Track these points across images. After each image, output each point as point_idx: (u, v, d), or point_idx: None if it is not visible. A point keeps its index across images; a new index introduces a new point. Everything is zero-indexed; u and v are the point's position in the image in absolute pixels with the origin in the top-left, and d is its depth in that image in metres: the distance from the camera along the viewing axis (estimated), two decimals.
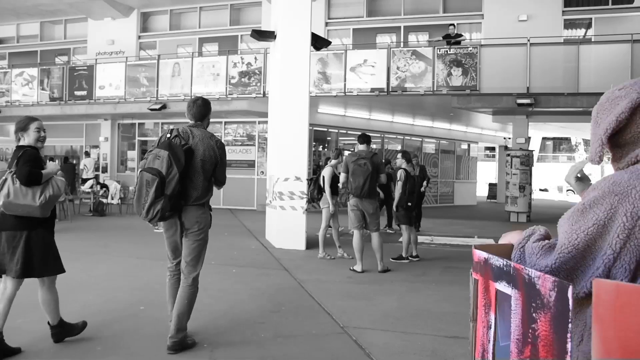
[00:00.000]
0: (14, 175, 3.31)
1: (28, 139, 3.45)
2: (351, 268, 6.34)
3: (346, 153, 7.48)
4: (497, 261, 1.29)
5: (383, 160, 9.03)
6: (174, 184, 3.30)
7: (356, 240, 6.21)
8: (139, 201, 3.36)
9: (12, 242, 3.29)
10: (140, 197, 3.35)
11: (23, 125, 3.44)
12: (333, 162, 7.38)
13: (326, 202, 7.23)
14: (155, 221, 3.42)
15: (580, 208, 1.26)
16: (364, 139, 6.40)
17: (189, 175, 3.45)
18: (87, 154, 16.64)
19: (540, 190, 30.92)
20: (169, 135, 3.48)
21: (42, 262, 3.36)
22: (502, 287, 1.26)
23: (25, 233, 3.30)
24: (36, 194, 3.30)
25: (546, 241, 1.32)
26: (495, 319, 1.31)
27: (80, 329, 3.70)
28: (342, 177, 6.38)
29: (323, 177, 7.28)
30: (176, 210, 3.45)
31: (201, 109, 3.68)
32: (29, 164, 3.29)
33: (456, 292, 5.16)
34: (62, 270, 3.52)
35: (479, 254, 1.39)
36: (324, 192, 7.25)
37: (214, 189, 3.74)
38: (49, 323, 3.58)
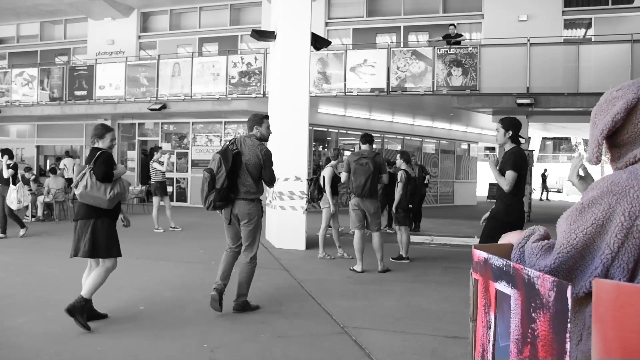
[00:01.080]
0: (92, 172, 3.95)
1: (103, 144, 4.13)
2: (351, 268, 6.34)
3: (347, 153, 7.47)
4: (497, 261, 1.28)
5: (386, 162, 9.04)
6: (222, 180, 4.18)
7: (357, 240, 6.21)
8: (202, 194, 4.28)
9: (83, 228, 3.96)
10: (202, 191, 4.29)
11: (100, 133, 4.13)
12: (333, 162, 7.37)
13: (326, 202, 7.23)
14: (211, 209, 4.30)
15: (579, 208, 1.26)
16: (367, 138, 6.39)
17: (239, 174, 4.30)
18: (67, 154, 16.67)
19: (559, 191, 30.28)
20: (227, 143, 4.38)
21: (105, 245, 3.98)
22: (502, 287, 1.26)
23: (93, 220, 3.95)
24: (107, 189, 3.96)
25: (545, 241, 1.32)
26: (495, 318, 1.31)
27: (102, 317, 4.15)
28: (343, 176, 6.38)
29: (323, 177, 7.28)
30: (227, 201, 4.28)
31: (248, 123, 4.55)
32: (105, 164, 3.98)
33: (456, 292, 5.16)
34: (120, 254, 4.12)
35: (479, 254, 1.39)
36: (324, 192, 7.25)
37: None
38: (81, 295, 3.94)
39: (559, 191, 30.74)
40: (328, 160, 7.58)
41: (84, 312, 3.90)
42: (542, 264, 1.27)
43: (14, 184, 8.48)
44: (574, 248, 1.22)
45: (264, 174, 4.38)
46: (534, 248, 1.32)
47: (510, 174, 4.25)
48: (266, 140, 4.57)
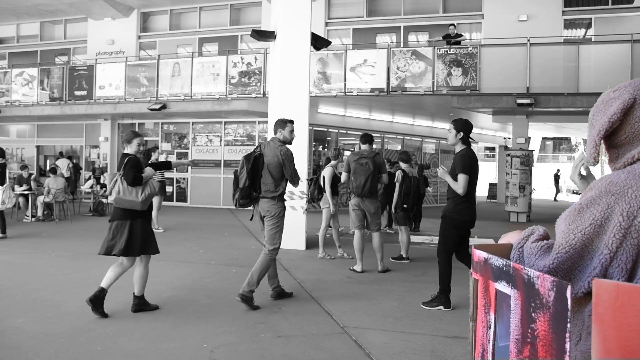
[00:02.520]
0: (122, 178, 4.23)
1: (131, 149, 4.41)
2: (351, 268, 6.34)
3: (347, 153, 7.46)
4: (497, 261, 1.28)
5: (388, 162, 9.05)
6: (244, 179, 4.60)
7: (357, 240, 6.21)
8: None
9: (119, 229, 4.24)
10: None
11: (129, 138, 4.43)
12: (333, 162, 7.37)
13: (326, 202, 7.23)
14: (237, 207, 4.75)
15: (577, 208, 1.26)
16: (367, 138, 6.38)
17: (262, 174, 4.68)
18: (62, 154, 16.67)
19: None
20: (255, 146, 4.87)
21: (141, 244, 4.26)
22: (502, 287, 1.25)
23: (129, 222, 4.23)
24: (138, 192, 4.25)
25: (544, 241, 1.33)
26: (495, 318, 1.31)
27: (154, 309, 4.46)
28: (343, 176, 6.38)
29: (323, 177, 7.27)
30: (250, 199, 4.68)
31: (274, 127, 4.91)
32: (133, 169, 4.24)
33: (456, 292, 5.16)
34: (157, 252, 4.41)
35: (479, 254, 1.39)
36: (324, 192, 7.25)
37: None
38: (134, 293, 4.39)
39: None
40: (328, 160, 7.58)
41: (145, 304, 4.44)
42: (540, 264, 1.27)
43: (1, 184, 8.28)
44: (572, 248, 1.22)
45: (285, 172, 4.72)
46: (533, 248, 1.32)
47: (461, 177, 4.49)
48: (289, 142, 4.88)
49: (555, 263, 1.23)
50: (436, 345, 3.73)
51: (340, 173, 6.86)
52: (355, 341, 3.78)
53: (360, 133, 7.08)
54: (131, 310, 4.35)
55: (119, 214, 4.28)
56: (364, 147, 6.33)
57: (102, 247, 4.27)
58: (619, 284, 1.03)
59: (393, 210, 7.25)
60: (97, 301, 4.17)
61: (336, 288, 5.44)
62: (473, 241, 9.24)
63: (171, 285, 5.38)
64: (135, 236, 4.24)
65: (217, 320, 4.22)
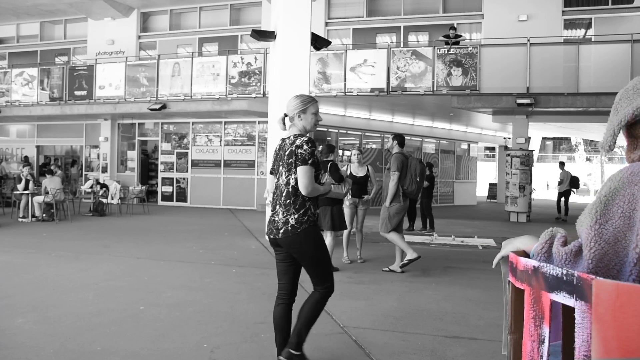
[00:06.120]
0: (330, 177, 5.39)
1: (331, 157, 6.32)
2: (387, 268, 6.21)
3: (354, 152, 7.19)
4: (553, 270, 1.19)
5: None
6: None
7: (395, 237, 6.10)
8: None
9: (324, 212, 6.11)
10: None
11: (327, 151, 6.39)
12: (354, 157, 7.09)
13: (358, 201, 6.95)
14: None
15: (603, 200, 1.21)
16: (403, 139, 6.35)
17: None
18: (26, 159, 16.83)
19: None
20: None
21: (338, 222, 6.22)
22: (561, 298, 1.16)
23: (330, 207, 6.14)
24: (342, 186, 5.75)
25: (572, 244, 1.24)
26: (550, 332, 1.23)
27: (335, 270, 5.81)
28: (395, 175, 6.10)
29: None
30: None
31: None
32: (337, 172, 5.97)
33: (456, 292, 5.16)
34: (345, 228, 6.50)
35: (526, 262, 1.28)
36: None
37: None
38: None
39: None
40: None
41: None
42: (578, 270, 1.19)
43: None
44: (607, 243, 1.17)
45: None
46: (562, 255, 1.24)
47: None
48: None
49: (593, 263, 1.16)
50: (436, 345, 3.73)
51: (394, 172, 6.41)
52: (355, 341, 3.78)
53: (359, 133, 7.06)
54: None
55: (323, 202, 5.74)
56: (401, 148, 6.25)
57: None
58: (619, 283, 1.03)
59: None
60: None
61: (336, 288, 5.42)
62: (473, 241, 9.24)
63: (171, 285, 5.38)
64: (336, 217, 6.10)
65: (217, 320, 4.22)
